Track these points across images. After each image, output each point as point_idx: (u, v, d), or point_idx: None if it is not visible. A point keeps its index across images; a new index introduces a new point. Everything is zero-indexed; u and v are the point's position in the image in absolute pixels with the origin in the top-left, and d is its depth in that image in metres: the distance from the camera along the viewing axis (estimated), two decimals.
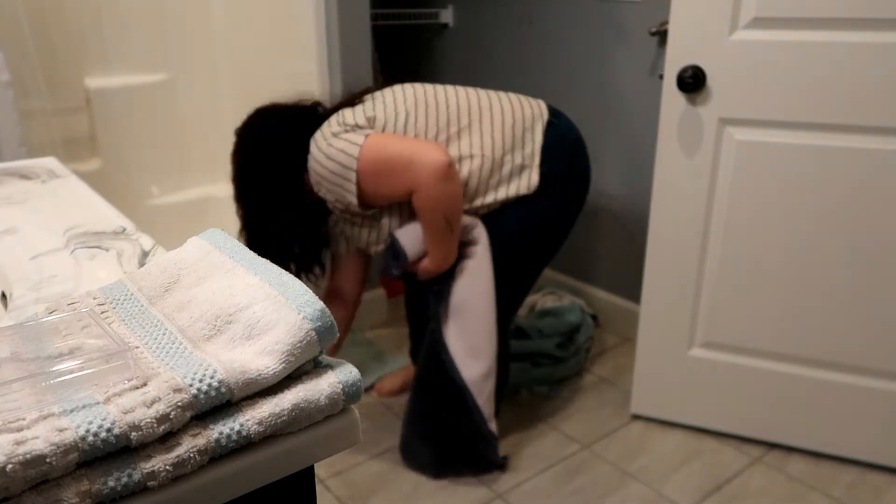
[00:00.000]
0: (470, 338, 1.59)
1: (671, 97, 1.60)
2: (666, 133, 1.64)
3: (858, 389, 1.66)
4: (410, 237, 1.55)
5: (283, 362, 0.44)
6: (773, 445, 1.80)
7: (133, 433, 0.38)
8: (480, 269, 1.57)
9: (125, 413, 0.39)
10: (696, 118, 1.59)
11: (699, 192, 1.66)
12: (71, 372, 0.43)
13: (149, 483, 0.38)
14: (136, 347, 0.46)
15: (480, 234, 1.57)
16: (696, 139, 1.61)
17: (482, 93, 1.59)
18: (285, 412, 0.43)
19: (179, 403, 0.40)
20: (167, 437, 0.40)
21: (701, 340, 1.78)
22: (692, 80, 1.53)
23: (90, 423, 0.38)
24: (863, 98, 1.45)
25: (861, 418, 1.68)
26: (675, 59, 1.56)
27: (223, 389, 0.41)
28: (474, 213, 1.59)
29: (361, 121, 1.50)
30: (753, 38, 1.49)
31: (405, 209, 1.57)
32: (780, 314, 1.68)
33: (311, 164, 1.52)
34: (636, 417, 1.91)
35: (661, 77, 1.62)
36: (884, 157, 1.48)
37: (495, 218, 1.59)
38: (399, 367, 2.18)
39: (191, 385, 0.41)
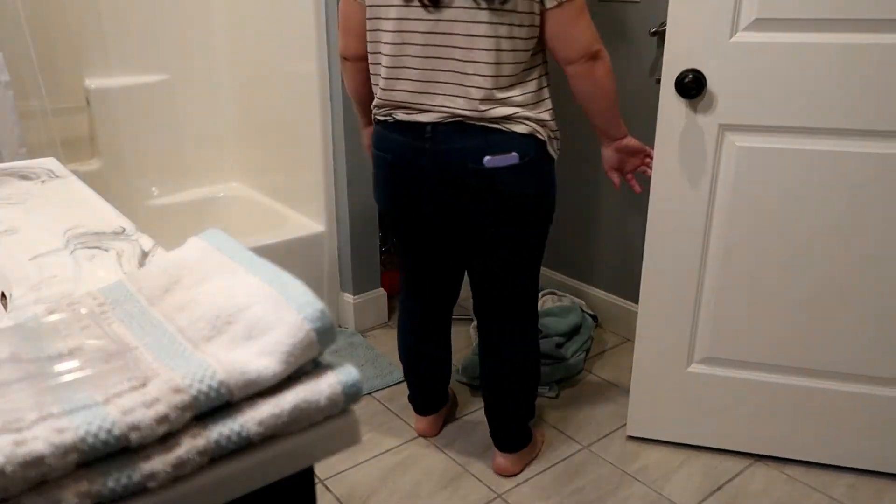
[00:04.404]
0: None
1: (670, 102, 1.54)
2: (663, 141, 1.58)
3: (864, 398, 1.64)
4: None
5: (283, 363, 0.44)
6: (774, 459, 1.78)
7: (133, 434, 0.38)
8: None
9: (125, 414, 0.39)
10: (696, 124, 1.54)
11: (698, 202, 1.60)
12: (70, 372, 0.43)
13: (148, 483, 0.38)
14: (136, 348, 0.46)
15: None
16: (696, 147, 1.55)
17: None
18: (285, 413, 0.43)
19: (179, 404, 0.40)
20: (167, 437, 0.40)
21: (700, 356, 1.73)
22: (693, 84, 1.48)
23: (90, 423, 0.38)
24: (869, 101, 1.42)
25: (869, 426, 1.66)
26: (674, 63, 1.51)
27: (223, 390, 0.41)
28: None
29: None
30: (755, 40, 1.44)
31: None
32: (783, 325, 1.64)
33: None
34: (632, 439, 1.84)
35: (657, 82, 1.54)
36: (891, 162, 1.45)
37: None
38: (396, 371, 2.17)
39: (190, 386, 0.41)
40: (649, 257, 1.68)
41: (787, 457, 1.75)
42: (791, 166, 1.52)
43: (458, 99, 1.39)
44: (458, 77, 1.38)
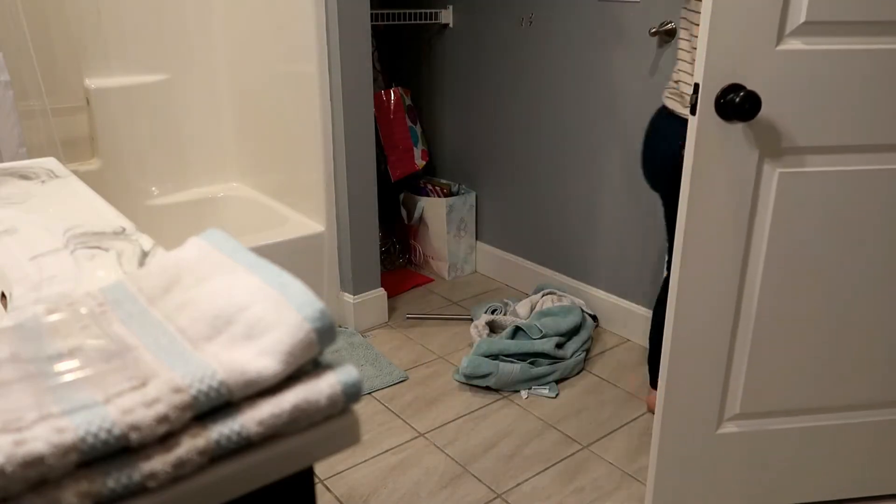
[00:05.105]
0: None
1: (708, 125, 1.26)
2: (696, 173, 1.29)
3: None
4: None
5: (283, 363, 0.44)
6: None
7: (133, 434, 0.38)
8: None
9: (125, 413, 0.39)
10: (733, 149, 1.28)
11: (734, 241, 1.35)
12: (70, 372, 0.43)
13: (148, 483, 0.38)
14: (136, 348, 0.46)
15: None
16: (731, 177, 1.30)
17: None
18: (285, 413, 0.43)
19: (179, 404, 0.40)
20: (167, 437, 0.40)
21: (730, 414, 1.50)
22: (746, 104, 1.20)
23: (90, 423, 0.38)
24: None
25: None
26: (714, 79, 1.22)
27: (223, 390, 0.41)
28: None
29: None
30: (805, 47, 1.22)
31: None
32: (821, 365, 1.47)
33: None
34: None
35: (691, 108, 1.27)
36: None
37: None
38: (396, 370, 2.17)
39: (190, 385, 0.41)
40: (679, 314, 1.39)
41: (838, 498, 1.61)
42: (845, 189, 1.33)
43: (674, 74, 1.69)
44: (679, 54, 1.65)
